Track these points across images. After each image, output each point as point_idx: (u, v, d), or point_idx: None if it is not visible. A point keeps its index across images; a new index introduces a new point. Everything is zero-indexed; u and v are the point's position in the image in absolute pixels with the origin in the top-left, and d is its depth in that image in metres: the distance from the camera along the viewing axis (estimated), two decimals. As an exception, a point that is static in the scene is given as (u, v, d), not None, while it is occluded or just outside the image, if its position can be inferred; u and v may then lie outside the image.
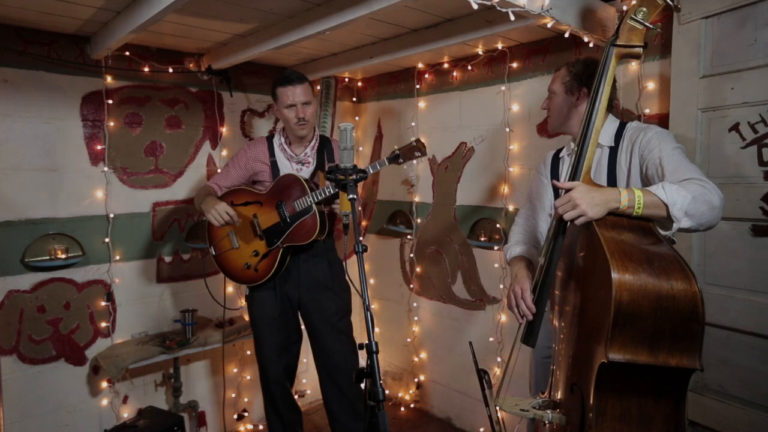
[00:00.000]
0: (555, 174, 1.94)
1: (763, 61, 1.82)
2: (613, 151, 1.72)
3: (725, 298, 1.93)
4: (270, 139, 2.48)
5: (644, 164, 1.60)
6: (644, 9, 1.42)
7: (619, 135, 1.73)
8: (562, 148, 1.99)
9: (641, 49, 1.45)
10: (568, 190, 1.42)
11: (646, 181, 1.60)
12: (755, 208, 1.84)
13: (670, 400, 1.27)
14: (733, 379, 1.92)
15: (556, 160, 1.98)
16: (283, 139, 2.44)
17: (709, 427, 1.97)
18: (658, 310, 1.20)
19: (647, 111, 2.20)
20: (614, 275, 1.21)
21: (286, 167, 2.41)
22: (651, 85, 2.19)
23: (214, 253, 2.48)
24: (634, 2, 1.46)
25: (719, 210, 1.41)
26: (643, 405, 1.27)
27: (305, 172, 2.40)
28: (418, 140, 2.15)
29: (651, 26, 1.43)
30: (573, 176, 1.50)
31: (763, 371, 1.84)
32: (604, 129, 1.73)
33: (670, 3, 1.44)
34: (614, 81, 1.57)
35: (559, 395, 1.56)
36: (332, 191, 2.19)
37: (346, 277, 2.47)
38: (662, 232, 1.42)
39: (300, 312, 2.47)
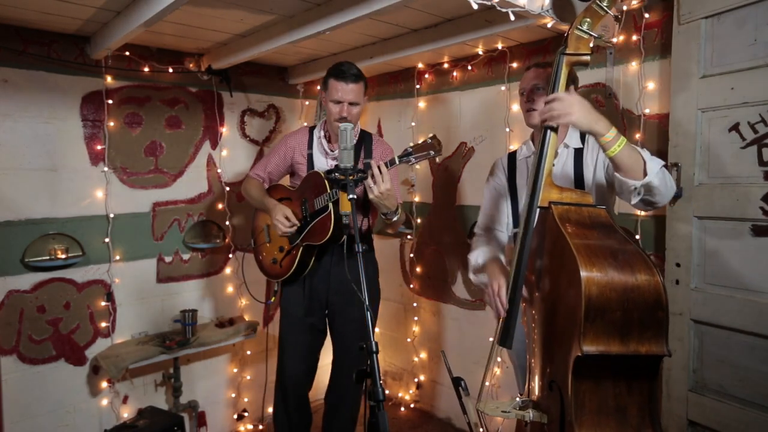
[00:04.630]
0: (513, 177, 1.98)
1: (763, 61, 1.82)
2: (579, 152, 1.84)
3: (725, 298, 1.92)
4: (312, 130, 2.41)
5: (607, 162, 1.70)
6: (588, 20, 1.51)
7: (583, 137, 1.86)
8: (515, 152, 2.03)
9: (588, 57, 1.54)
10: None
11: (609, 179, 1.70)
12: (755, 208, 1.84)
13: (643, 389, 1.33)
14: (733, 379, 1.92)
15: (512, 163, 2.01)
16: (322, 133, 2.36)
17: (709, 427, 1.97)
18: (626, 302, 1.26)
19: (647, 111, 2.21)
20: (582, 271, 1.27)
21: (320, 162, 2.35)
22: (651, 85, 2.19)
23: (252, 244, 2.51)
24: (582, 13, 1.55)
25: (673, 192, 1.56)
26: (618, 396, 1.32)
27: None
28: (434, 137, 1.94)
29: (595, 35, 1.51)
30: (535, 179, 1.54)
31: (763, 371, 1.84)
32: (571, 132, 1.87)
33: (611, 14, 1.54)
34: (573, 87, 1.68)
35: (536, 390, 1.58)
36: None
37: (343, 275, 2.45)
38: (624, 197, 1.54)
39: (327, 312, 2.43)
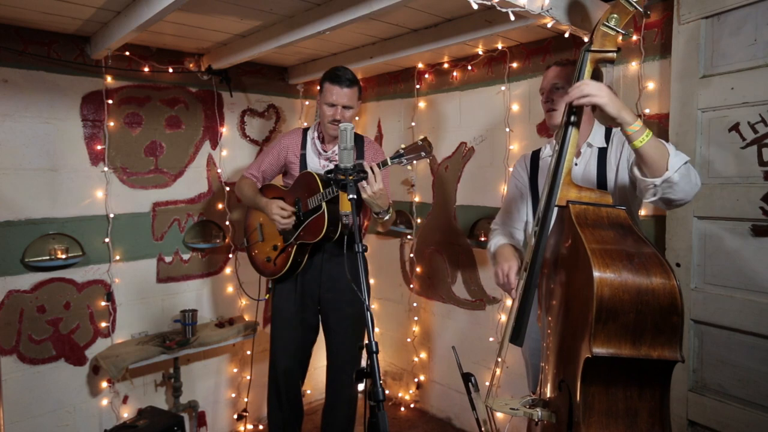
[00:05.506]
0: (535, 176, 1.97)
1: (763, 61, 1.82)
2: (603, 151, 1.81)
3: (725, 298, 1.92)
4: (305, 131, 2.47)
5: (631, 159, 1.67)
6: (616, 16, 1.49)
7: (608, 136, 1.83)
8: (539, 150, 2.02)
9: (615, 54, 1.51)
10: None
11: (631, 176, 1.66)
12: (755, 208, 1.84)
13: (654, 394, 1.31)
14: (733, 379, 1.92)
15: (535, 161, 2.00)
16: (316, 134, 2.43)
17: (709, 427, 1.97)
18: (639, 304, 1.24)
19: (647, 111, 2.21)
20: (595, 272, 1.25)
21: (313, 162, 2.41)
22: (651, 85, 2.19)
23: (245, 243, 2.56)
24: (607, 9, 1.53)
25: (697, 189, 1.51)
26: (628, 399, 1.30)
27: None
28: (424, 139, 1.99)
29: (623, 32, 1.49)
30: (554, 178, 1.53)
31: (763, 371, 1.85)
32: (595, 131, 1.84)
33: (640, 10, 1.49)
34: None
35: (548, 393, 1.57)
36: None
37: (353, 277, 2.46)
38: (641, 193, 1.51)
39: (319, 309, 2.47)
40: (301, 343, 2.48)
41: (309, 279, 2.40)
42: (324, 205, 2.21)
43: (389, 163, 2.00)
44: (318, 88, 2.36)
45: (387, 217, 2.19)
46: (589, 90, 1.45)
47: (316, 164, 2.40)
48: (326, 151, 2.39)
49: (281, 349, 2.46)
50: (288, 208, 2.31)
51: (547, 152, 1.96)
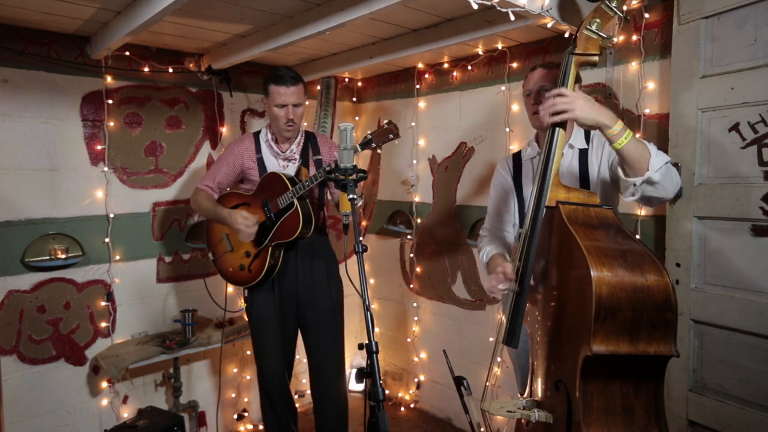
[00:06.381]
0: (518, 177, 1.98)
1: (763, 61, 1.82)
2: (584, 153, 1.83)
3: (725, 298, 1.92)
4: (257, 135, 2.47)
5: (612, 159, 1.71)
6: (598, 20, 1.51)
7: (588, 138, 1.85)
8: (519, 151, 2.03)
9: (597, 57, 1.54)
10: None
11: (614, 176, 1.70)
12: (755, 208, 1.84)
13: (649, 389, 1.33)
14: (732, 379, 1.92)
15: (518, 162, 2.01)
16: (270, 136, 2.43)
17: (709, 427, 1.97)
18: (635, 302, 1.26)
19: (647, 111, 2.21)
20: (593, 272, 1.26)
21: (272, 164, 2.41)
22: (651, 85, 2.19)
23: (212, 257, 2.52)
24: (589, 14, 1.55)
25: (678, 187, 1.56)
26: (625, 395, 1.33)
27: (291, 169, 2.40)
28: (389, 122, 2.05)
29: (604, 35, 1.51)
30: (543, 179, 1.54)
31: (763, 371, 1.84)
32: (575, 133, 1.86)
33: (621, 15, 1.52)
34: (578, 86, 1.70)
35: (540, 394, 1.57)
36: (312, 183, 2.18)
37: (343, 275, 2.46)
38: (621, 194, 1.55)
39: (297, 308, 2.47)
40: (285, 346, 2.47)
41: (286, 280, 2.40)
42: (296, 201, 2.22)
43: (359, 150, 2.02)
44: (263, 99, 2.38)
45: (360, 203, 2.24)
46: (561, 106, 1.47)
47: (275, 165, 2.41)
48: (283, 152, 2.41)
49: (267, 355, 2.45)
50: (251, 217, 2.30)
51: (529, 153, 1.98)
